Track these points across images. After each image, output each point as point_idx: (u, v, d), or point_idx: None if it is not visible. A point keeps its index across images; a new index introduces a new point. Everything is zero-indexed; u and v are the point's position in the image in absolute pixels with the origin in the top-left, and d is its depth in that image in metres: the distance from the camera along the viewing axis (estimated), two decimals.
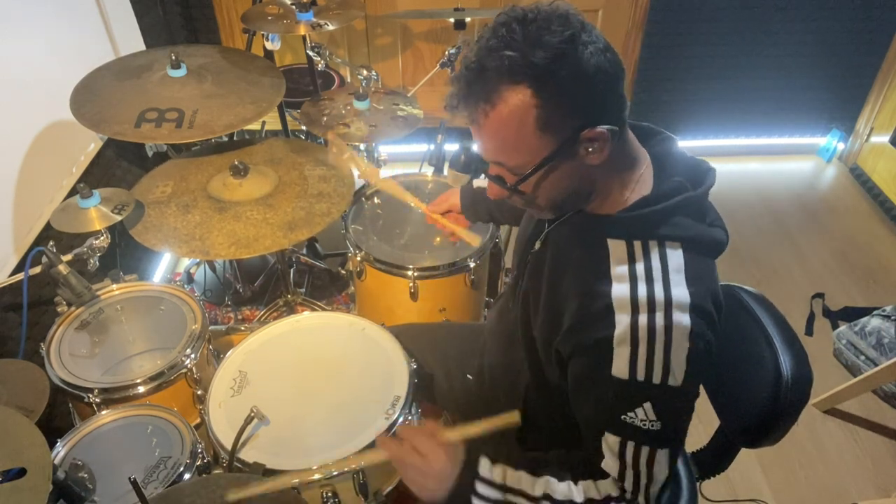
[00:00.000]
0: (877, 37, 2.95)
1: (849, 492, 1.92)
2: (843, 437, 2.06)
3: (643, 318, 0.90)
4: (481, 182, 1.49)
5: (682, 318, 0.89)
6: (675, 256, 0.93)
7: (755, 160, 3.34)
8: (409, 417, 1.33)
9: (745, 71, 3.05)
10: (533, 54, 0.83)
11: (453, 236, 1.52)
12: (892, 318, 2.19)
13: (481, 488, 0.97)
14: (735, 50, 2.98)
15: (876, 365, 2.10)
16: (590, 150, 0.90)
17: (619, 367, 0.90)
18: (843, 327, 2.32)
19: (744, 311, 1.20)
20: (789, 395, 1.07)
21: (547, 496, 0.96)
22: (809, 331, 2.42)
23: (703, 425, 1.85)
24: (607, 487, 0.96)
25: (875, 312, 2.26)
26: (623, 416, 0.92)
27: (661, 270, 0.92)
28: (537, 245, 1.10)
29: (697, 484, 1.33)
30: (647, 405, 0.90)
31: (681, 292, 0.91)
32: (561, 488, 0.97)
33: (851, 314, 2.41)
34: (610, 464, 0.95)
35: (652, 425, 0.91)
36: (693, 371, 0.90)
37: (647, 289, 0.91)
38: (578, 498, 0.96)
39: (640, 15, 2.86)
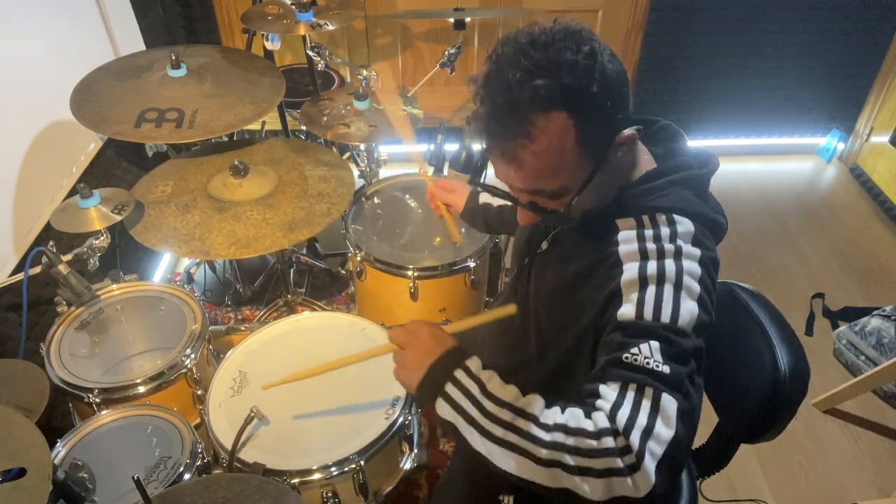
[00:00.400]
0: (877, 37, 2.95)
1: (849, 492, 1.92)
2: (843, 437, 2.06)
3: (652, 263, 0.89)
4: (487, 198, 1.50)
5: (693, 265, 0.89)
6: (685, 223, 0.93)
7: (755, 160, 3.34)
8: (409, 417, 1.33)
9: (745, 71, 3.05)
10: (561, 77, 0.82)
11: (440, 218, 1.56)
12: (892, 318, 2.19)
13: (460, 375, 0.91)
14: (735, 50, 2.98)
15: (876, 365, 2.10)
16: (619, 154, 0.91)
17: (627, 310, 0.87)
18: (843, 327, 2.32)
19: (740, 308, 1.21)
20: (787, 389, 1.07)
21: (522, 412, 0.86)
22: (809, 331, 2.42)
23: (701, 422, 1.85)
24: (599, 419, 0.83)
25: (875, 312, 2.26)
26: (626, 356, 0.84)
27: (671, 234, 0.92)
28: (544, 245, 1.10)
29: (697, 483, 1.33)
30: (654, 343, 0.84)
31: (690, 248, 0.91)
32: (548, 412, 0.86)
33: (851, 314, 2.41)
34: (605, 401, 0.84)
35: (657, 365, 0.82)
36: (702, 319, 0.87)
37: (655, 245, 0.91)
38: (560, 419, 0.85)
39: (640, 15, 2.86)
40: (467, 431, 0.88)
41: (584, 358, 0.99)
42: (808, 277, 2.65)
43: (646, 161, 1.00)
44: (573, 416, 0.85)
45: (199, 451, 1.26)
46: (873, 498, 1.91)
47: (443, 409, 0.90)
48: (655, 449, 0.79)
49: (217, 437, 1.26)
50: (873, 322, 2.21)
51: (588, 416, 0.84)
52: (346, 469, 1.21)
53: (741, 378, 1.17)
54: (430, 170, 2.10)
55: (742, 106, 3.19)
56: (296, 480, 1.20)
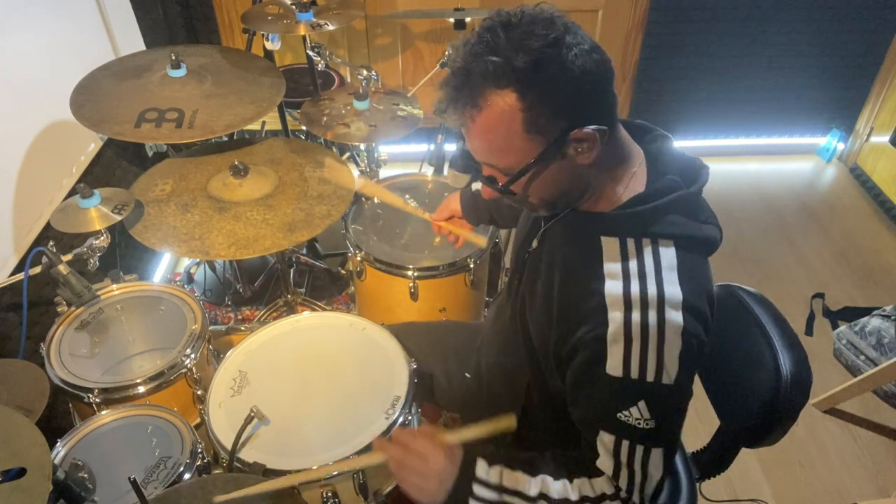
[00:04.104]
0: (877, 37, 2.95)
1: (849, 492, 1.92)
2: (843, 437, 2.06)
3: (636, 316, 0.90)
4: (479, 186, 1.49)
5: (675, 316, 0.90)
6: (668, 254, 0.94)
7: (755, 160, 3.34)
8: (409, 417, 1.33)
9: (745, 71, 3.05)
10: (516, 59, 0.84)
11: (458, 242, 1.53)
12: (892, 318, 2.19)
13: (478, 489, 0.97)
14: (735, 50, 2.98)
15: (876, 365, 2.10)
16: (579, 150, 0.90)
17: (614, 365, 0.91)
18: (843, 327, 2.32)
19: (744, 311, 1.20)
20: (789, 396, 1.07)
21: (543, 495, 0.96)
22: (809, 331, 2.42)
23: (703, 425, 1.86)
24: (602, 485, 0.97)
25: (875, 312, 2.26)
26: (618, 415, 0.92)
27: (654, 268, 0.93)
28: (534, 244, 1.11)
29: (697, 484, 1.33)
30: (642, 403, 0.91)
31: (673, 290, 0.91)
32: (556, 486, 0.97)
33: (851, 314, 2.41)
34: (605, 462, 0.96)
35: (646, 424, 0.92)
36: (685, 369, 0.91)
37: (639, 286, 0.91)
38: (574, 496, 0.96)
39: (640, 15, 2.86)
40: None
41: (555, 368, 1.04)
42: (808, 277, 2.65)
43: (638, 175, 0.99)
44: (580, 487, 0.97)
45: (199, 451, 1.26)
46: (873, 498, 1.91)
47: None
48: (648, 490, 0.96)
49: (217, 437, 1.26)
50: (873, 322, 2.21)
51: (590, 477, 0.97)
52: (345, 470, 1.21)
53: (743, 383, 1.17)
54: (430, 171, 2.10)
55: (742, 106, 3.19)
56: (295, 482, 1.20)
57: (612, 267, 0.94)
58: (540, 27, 0.85)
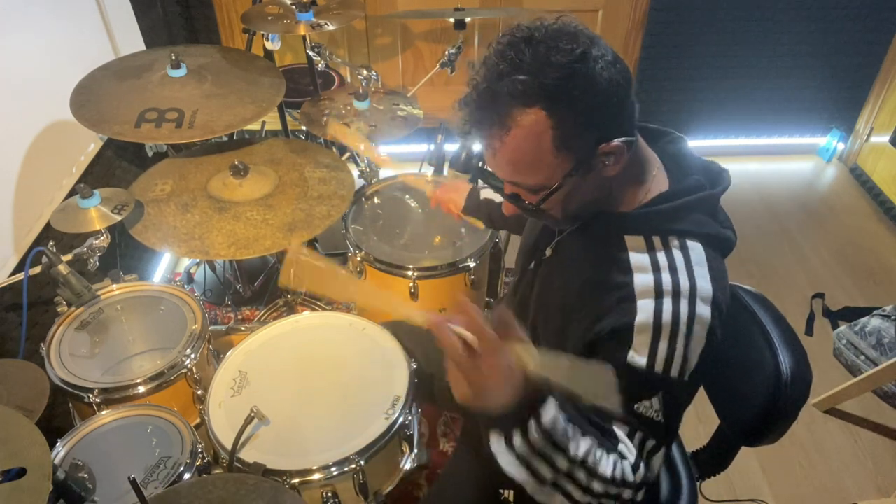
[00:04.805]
0: (877, 37, 2.95)
1: (849, 492, 1.92)
2: (843, 437, 2.06)
3: (668, 305, 0.88)
4: (489, 194, 1.50)
5: (704, 311, 0.89)
6: (697, 250, 0.93)
7: (755, 160, 3.34)
8: (409, 417, 1.33)
9: (745, 71, 3.05)
10: (544, 76, 0.82)
11: (459, 218, 1.57)
12: (892, 318, 2.19)
13: (532, 427, 0.81)
14: (735, 50, 2.98)
15: (876, 365, 2.10)
16: (607, 162, 0.90)
17: (638, 355, 0.88)
18: (843, 327, 2.32)
19: (744, 311, 1.21)
20: (789, 394, 1.07)
21: (584, 463, 0.83)
22: (809, 331, 2.42)
23: (703, 425, 1.85)
24: (627, 472, 0.87)
25: (875, 312, 2.25)
26: (637, 406, 0.88)
27: (685, 262, 0.91)
28: (548, 252, 1.09)
29: (697, 484, 1.33)
30: (660, 395, 0.88)
31: (705, 284, 0.90)
32: (604, 461, 0.85)
33: (851, 314, 2.41)
34: (628, 452, 0.88)
35: (658, 416, 0.88)
36: (700, 367, 0.89)
37: (671, 278, 0.90)
38: (608, 472, 0.85)
39: (640, 15, 2.86)
40: (518, 473, 0.83)
41: None
42: (808, 277, 2.65)
43: (658, 178, 0.99)
44: (618, 468, 0.87)
45: (199, 451, 1.26)
46: (873, 498, 1.91)
47: (500, 451, 0.83)
48: (642, 494, 0.90)
49: (217, 437, 1.26)
50: (873, 322, 2.21)
51: (615, 460, 0.87)
52: (346, 469, 1.21)
53: (743, 381, 1.17)
54: (430, 170, 2.10)
55: (742, 106, 3.19)
56: (296, 480, 1.20)
57: (639, 259, 0.92)
58: (565, 41, 0.83)
